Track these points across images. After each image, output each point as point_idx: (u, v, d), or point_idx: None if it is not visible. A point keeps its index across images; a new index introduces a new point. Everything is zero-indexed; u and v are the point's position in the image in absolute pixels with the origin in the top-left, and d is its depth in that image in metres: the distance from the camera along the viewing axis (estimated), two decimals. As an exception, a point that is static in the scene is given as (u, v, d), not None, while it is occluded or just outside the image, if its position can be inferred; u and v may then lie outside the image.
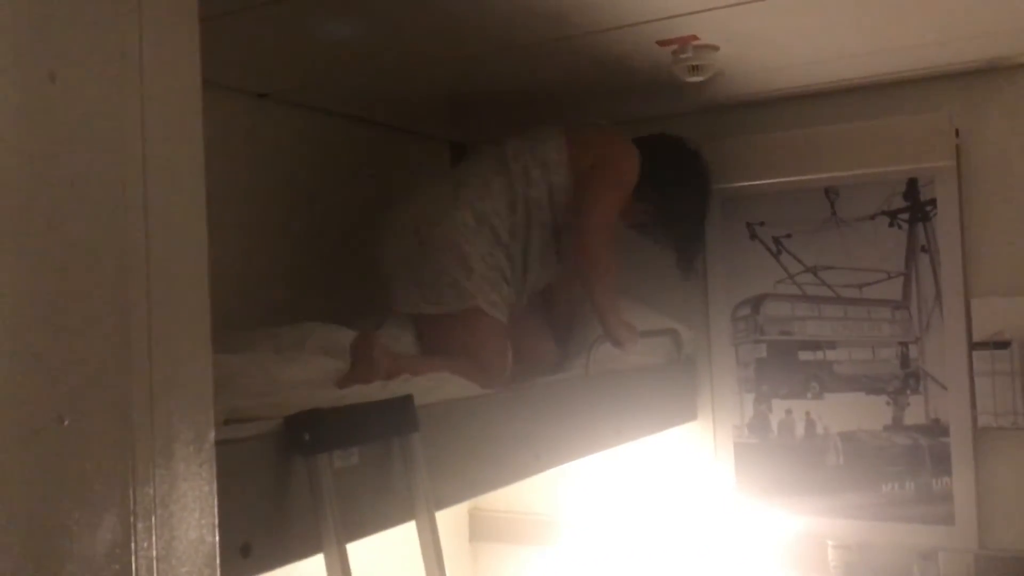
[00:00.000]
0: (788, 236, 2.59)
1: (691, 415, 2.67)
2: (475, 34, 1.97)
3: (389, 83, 2.33)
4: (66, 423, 0.77)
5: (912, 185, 2.44)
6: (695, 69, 2.12)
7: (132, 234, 0.85)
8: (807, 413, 2.56)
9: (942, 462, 2.39)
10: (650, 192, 2.31)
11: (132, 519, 0.81)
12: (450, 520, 2.84)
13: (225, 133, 2.19)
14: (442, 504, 1.54)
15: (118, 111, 0.85)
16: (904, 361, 2.46)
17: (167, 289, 0.87)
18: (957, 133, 2.35)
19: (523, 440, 1.84)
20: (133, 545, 0.81)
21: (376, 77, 2.26)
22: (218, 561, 0.90)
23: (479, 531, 2.99)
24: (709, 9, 1.83)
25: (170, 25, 0.91)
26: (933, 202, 2.42)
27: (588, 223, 2.15)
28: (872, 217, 2.49)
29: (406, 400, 1.48)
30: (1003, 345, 2.29)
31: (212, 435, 0.90)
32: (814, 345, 2.57)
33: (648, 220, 2.41)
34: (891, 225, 2.47)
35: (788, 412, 2.58)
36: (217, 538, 0.90)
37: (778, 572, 2.54)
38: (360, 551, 1.33)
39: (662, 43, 2.03)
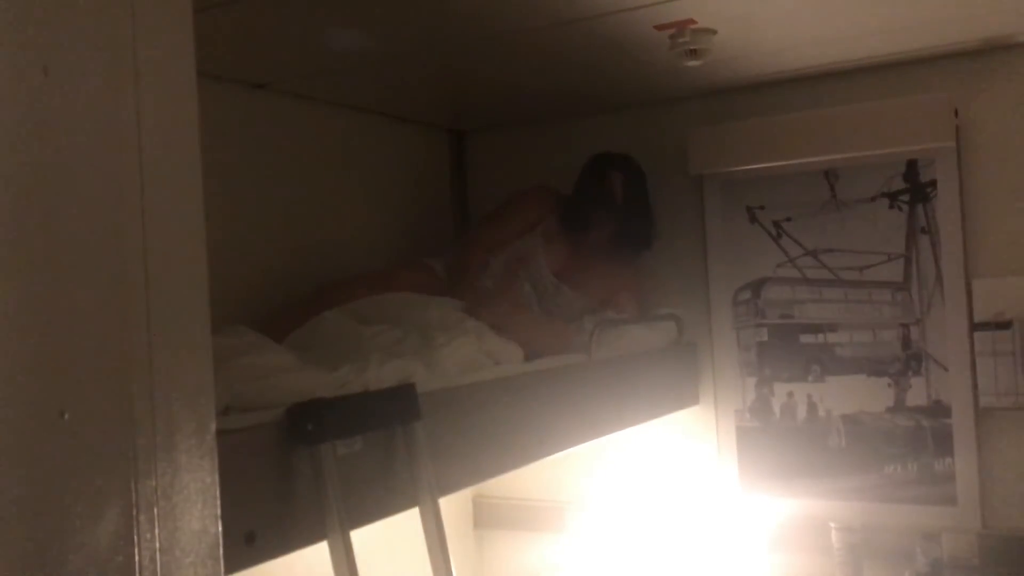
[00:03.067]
0: (788, 219, 2.59)
1: (693, 399, 2.68)
2: (471, 21, 1.96)
3: (387, 72, 2.33)
4: (66, 417, 0.77)
5: (912, 166, 2.44)
6: (693, 53, 2.11)
7: (129, 226, 0.85)
8: (809, 396, 2.56)
9: (944, 443, 2.39)
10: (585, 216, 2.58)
11: (134, 511, 0.81)
12: (454, 507, 2.85)
13: (222, 124, 2.19)
14: (446, 491, 1.55)
15: (113, 104, 0.85)
16: (905, 343, 2.46)
17: (165, 281, 0.87)
18: (956, 114, 2.34)
19: (526, 426, 1.85)
20: (136, 537, 0.81)
21: (374, 66, 2.26)
22: (221, 551, 0.91)
23: (483, 518, 3.00)
24: (706, -8, 1.82)
25: (164, 16, 0.90)
26: (933, 183, 2.41)
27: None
28: (872, 199, 2.49)
29: (408, 388, 1.49)
30: (1004, 326, 2.29)
31: (213, 426, 0.91)
32: (815, 328, 2.57)
33: (609, 235, 2.60)
34: (891, 207, 2.46)
35: (790, 395, 2.59)
36: (220, 528, 0.90)
37: (781, 555, 2.55)
38: (364, 538, 1.34)
39: (659, 27, 2.02)
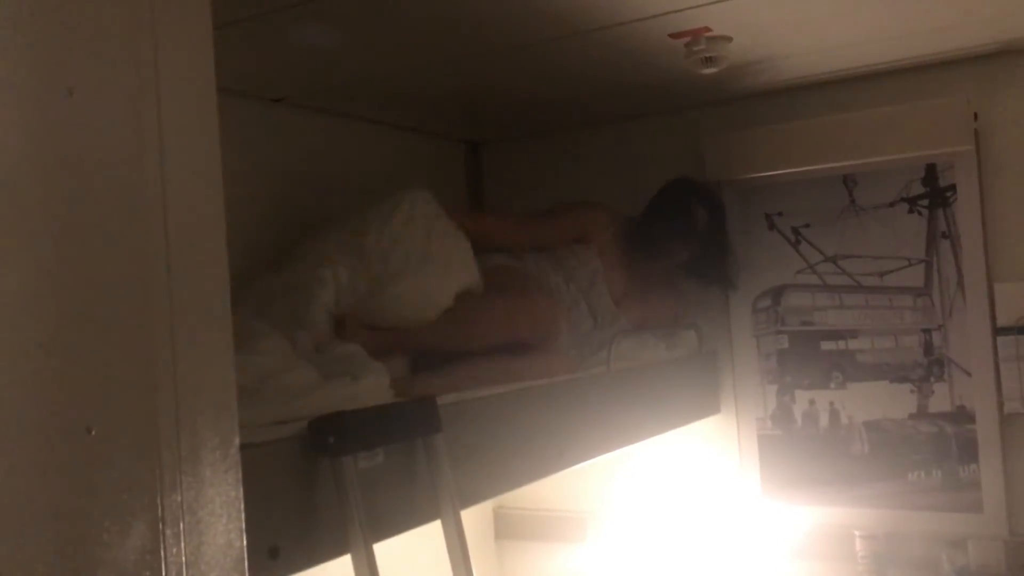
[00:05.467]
0: (807, 226, 2.58)
1: (714, 408, 2.67)
2: (487, 33, 1.97)
3: (403, 85, 2.34)
4: (93, 433, 0.78)
5: (931, 171, 2.42)
6: (708, 61, 2.11)
7: (153, 244, 0.85)
8: (831, 403, 2.55)
9: (969, 449, 2.37)
10: (667, 239, 2.48)
11: (161, 526, 0.82)
12: (475, 518, 2.85)
13: (241, 139, 2.20)
14: (467, 503, 1.55)
15: (135, 123, 0.86)
16: (927, 348, 2.44)
17: (189, 297, 0.88)
18: (975, 117, 2.33)
19: (547, 437, 1.84)
20: (162, 552, 0.82)
21: (390, 79, 2.27)
22: (246, 565, 0.91)
23: (504, 529, 3.00)
24: (721, 0, 1.82)
25: (184, 34, 0.92)
26: (952, 187, 2.40)
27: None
28: (891, 204, 2.47)
29: (428, 401, 1.49)
30: (1028, 330, 2.27)
31: (237, 440, 0.91)
32: (836, 334, 2.55)
33: (680, 265, 2.55)
34: (911, 212, 2.45)
35: (812, 403, 2.57)
36: (245, 542, 0.91)
37: (805, 563, 2.53)
38: (387, 551, 1.34)
39: (674, 36, 2.02)
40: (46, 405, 0.75)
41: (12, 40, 0.76)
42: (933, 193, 2.43)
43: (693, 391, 2.57)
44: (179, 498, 0.84)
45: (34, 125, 0.77)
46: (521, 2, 1.78)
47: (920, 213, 2.44)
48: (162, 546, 0.82)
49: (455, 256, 2.05)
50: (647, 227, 2.49)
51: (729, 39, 2.07)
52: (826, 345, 2.56)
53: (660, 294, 2.57)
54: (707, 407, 2.63)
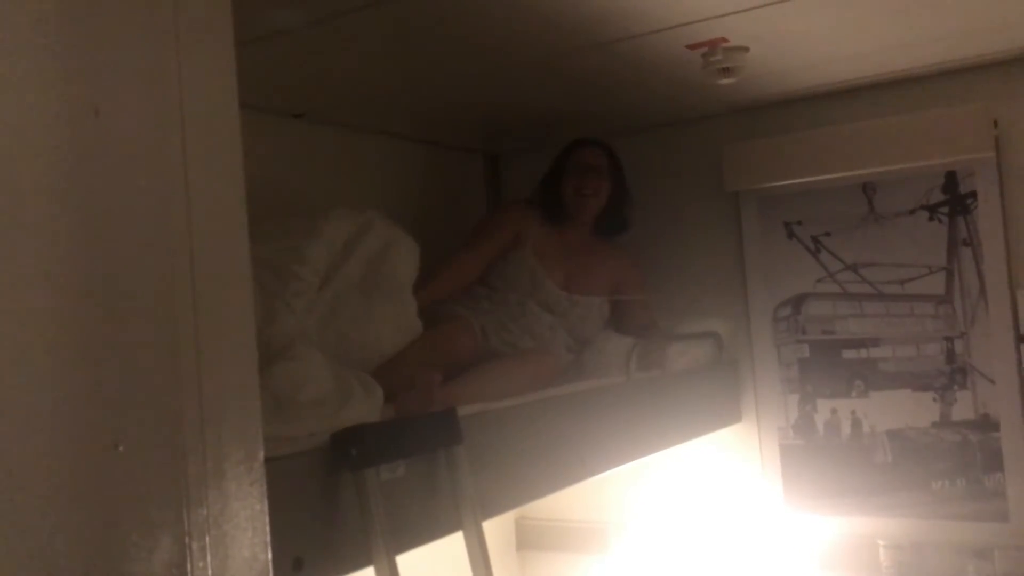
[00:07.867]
0: (827, 234, 2.57)
1: (735, 417, 2.66)
2: (505, 46, 1.98)
3: (422, 99, 2.36)
4: (121, 449, 0.79)
5: (951, 178, 2.41)
6: (726, 71, 2.11)
7: (177, 261, 0.87)
8: (853, 412, 2.53)
9: (993, 458, 2.35)
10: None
11: (187, 540, 0.83)
12: (497, 529, 2.85)
13: (263, 155, 2.22)
14: (489, 514, 1.55)
15: (159, 140, 0.87)
16: (950, 356, 2.42)
17: (213, 313, 0.89)
18: (995, 124, 2.32)
19: (568, 447, 1.85)
20: (189, 565, 0.83)
21: (410, 93, 2.29)
22: (271, 577, 0.92)
23: (526, 539, 3.00)
24: (738, 11, 1.82)
25: (207, 53, 0.93)
26: (973, 194, 2.38)
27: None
28: (911, 212, 2.46)
29: (449, 413, 1.49)
30: (1052, 337, 2.26)
31: (261, 455, 0.92)
32: (857, 343, 2.54)
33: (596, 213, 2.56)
34: (931, 219, 2.44)
35: (834, 412, 2.56)
36: (270, 555, 0.92)
37: (829, 574, 2.52)
38: (410, 563, 1.35)
39: (692, 47, 2.03)
40: (75, 422, 0.76)
41: (40, 61, 0.78)
42: (953, 200, 2.41)
43: (714, 400, 2.56)
44: (205, 512, 0.85)
45: (62, 144, 0.79)
46: (539, 15, 1.79)
47: (940, 220, 2.43)
48: (188, 560, 0.83)
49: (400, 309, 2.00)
50: (553, 193, 2.54)
51: (746, 49, 2.07)
52: (847, 354, 2.55)
53: (601, 258, 2.55)
54: (728, 416, 2.63)
